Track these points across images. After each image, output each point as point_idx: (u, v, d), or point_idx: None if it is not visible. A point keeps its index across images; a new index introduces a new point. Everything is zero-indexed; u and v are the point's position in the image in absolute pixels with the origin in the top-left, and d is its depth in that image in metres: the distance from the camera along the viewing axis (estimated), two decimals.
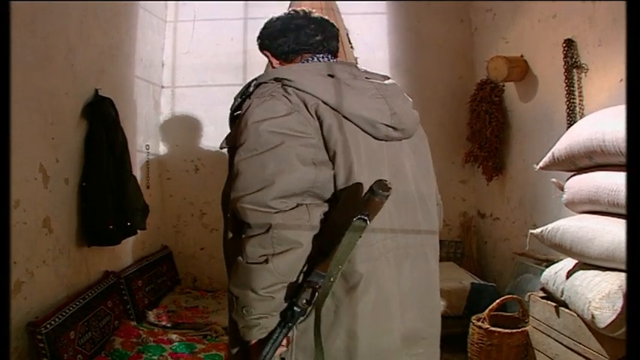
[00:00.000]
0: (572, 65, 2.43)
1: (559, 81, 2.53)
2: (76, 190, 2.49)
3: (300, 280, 1.00)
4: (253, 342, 1.01)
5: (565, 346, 1.88)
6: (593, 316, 1.60)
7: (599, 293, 1.62)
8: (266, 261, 0.96)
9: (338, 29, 1.28)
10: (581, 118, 2.33)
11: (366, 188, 0.99)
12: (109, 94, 2.72)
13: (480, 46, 3.72)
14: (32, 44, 2.13)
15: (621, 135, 1.67)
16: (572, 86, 2.44)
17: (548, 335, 2.01)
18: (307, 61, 1.22)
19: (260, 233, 0.97)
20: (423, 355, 1.18)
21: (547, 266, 2.25)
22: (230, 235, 1.10)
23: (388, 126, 1.11)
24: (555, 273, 2.01)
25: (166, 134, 3.91)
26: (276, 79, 1.08)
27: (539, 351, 2.11)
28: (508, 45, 3.21)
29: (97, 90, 2.66)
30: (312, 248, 1.01)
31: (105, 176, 2.57)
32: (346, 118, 1.07)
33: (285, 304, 0.99)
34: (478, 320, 2.41)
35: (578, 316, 1.77)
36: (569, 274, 1.88)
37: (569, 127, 2.25)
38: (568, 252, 1.89)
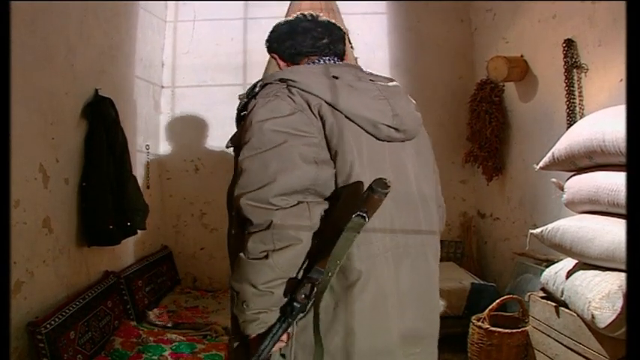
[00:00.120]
0: (572, 65, 2.43)
1: (559, 81, 2.53)
2: (76, 190, 2.49)
3: (299, 277, 1.02)
4: (253, 336, 1.02)
5: (565, 346, 1.88)
6: (593, 316, 1.60)
7: (599, 293, 1.62)
8: (266, 257, 0.98)
9: (344, 32, 1.31)
10: (581, 118, 2.33)
11: (366, 187, 1.01)
12: (109, 94, 2.72)
13: (480, 46, 3.72)
14: (32, 44, 2.13)
15: (621, 135, 1.67)
16: (572, 86, 2.44)
17: (548, 335, 2.01)
18: (313, 63, 1.24)
19: (261, 229, 0.99)
20: (420, 355, 1.19)
21: (547, 266, 2.25)
22: (234, 232, 1.12)
23: (390, 127, 1.13)
24: (555, 273, 2.01)
25: (166, 134, 3.91)
26: (281, 80, 1.11)
27: (539, 351, 2.11)
28: (508, 45, 3.21)
29: (97, 90, 2.66)
30: (312, 245, 1.02)
31: (105, 176, 2.57)
32: (349, 118, 1.09)
33: (285, 300, 1.01)
34: (478, 320, 2.41)
35: (578, 316, 1.77)
36: (569, 274, 1.88)
37: (569, 127, 2.25)
38: (568, 252, 1.89)
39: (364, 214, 0.94)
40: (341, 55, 1.28)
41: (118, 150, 2.71)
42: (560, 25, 2.59)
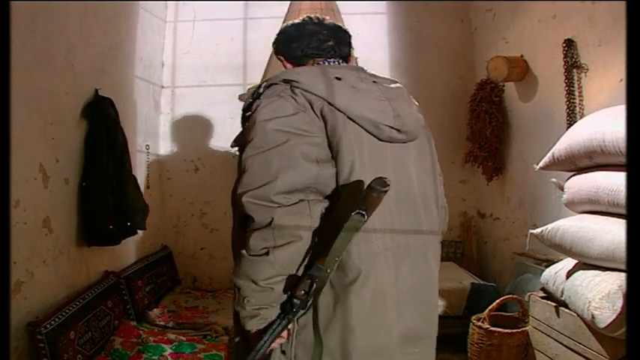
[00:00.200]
0: (572, 65, 2.43)
1: (559, 81, 2.53)
2: (76, 190, 2.49)
3: (300, 274, 1.04)
4: (253, 332, 1.04)
5: (565, 346, 1.88)
6: (593, 316, 1.60)
7: (599, 293, 1.62)
8: (267, 253, 1.00)
9: (350, 35, 1.33)
10: (581, 118, 2.33)
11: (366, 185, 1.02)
12: (109, 94, 2.72)
13: (480, 46, 3.72)
14: (32, 44, 2.13)
15: (621, 135, 1.67)
16: (572, 86, 2.44)
17: (548, 335, 2.01)
18: (318, 64, 1.25)
19: (263, 227, 1.01)
20: (418, 355, 1.20)
21: (547, 266, 2.25)
22: (237, 230, 1.15)
23: (392, 128, 1.14)
24: (555, 273, 2.01)
25: (166, 134, 3.92)
26: (285, 81, 1.13)
27: (539, 351, 2.11)
28: (508, 45, 3.21)
29: (97, 90, 2.66)
30: (313, 243, 1.04)
31: (105, 176, 2.57)
32: (351, 119, 1.10)
33: (285, 297, 1.02)
34: (478, 320, 2.41)
35: (578, 316, 1.77)
36: (569, 274, 1.88)
37: (569, 127, 2.25)
38: (568, 252, 1.89)
39: (363, 212, 0.95)
40: (346, 58, 1.30)
41: (118, 150, 2.71)
42: (560, 25, 2.59)
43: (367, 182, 1.03)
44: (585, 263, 1.84)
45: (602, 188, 1.78)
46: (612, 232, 1.66)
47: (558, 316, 1.94)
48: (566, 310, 1.88)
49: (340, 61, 1.28)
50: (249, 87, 3.66)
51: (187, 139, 3.91)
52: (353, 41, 1.36)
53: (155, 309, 3.09)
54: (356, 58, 3.05)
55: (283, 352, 1.08)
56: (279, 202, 1.02)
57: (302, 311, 1.04)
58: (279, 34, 1.33)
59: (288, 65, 1.30)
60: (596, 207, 1.85)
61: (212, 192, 3.87)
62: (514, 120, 3.21)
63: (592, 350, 1.72)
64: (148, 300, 3.11)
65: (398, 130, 1.15)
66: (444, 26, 3.90)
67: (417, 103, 1.29)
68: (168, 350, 2.44)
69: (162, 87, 3.93)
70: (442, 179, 1.35)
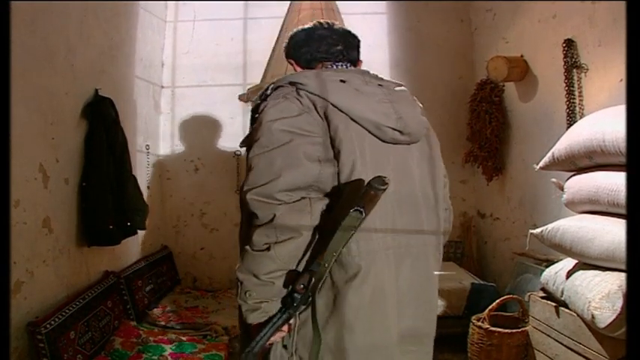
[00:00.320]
0: (572, 65, 2.43)
1: (559, 81, 2.53)
2: (76, 190, 2.49)
3: (300, 269, 1.08)
4: (254, 324, 1.08)
5: (565, 346, 1.88)
6: (593, 316, 1.60)
7: (599, 293, 1.62)
8: (268, 249, 1.05)
9: (359, 40, 1.38)
10: (581, 118, 2.33)
11: None
12: (109, 94, 2.72)
13: (480, 46, 3.73)
14: (32, 44, 2.13)
15: (621, 135, 1.67)
16: (572, 86, 2.44)
17: (548, 335, 2.02)
18: (326, 68, 1.29)
19: (265, 223, 1.05)
20: (416, 353, 1.22)
21: (547, 266, 2.25)
22: (243, 227, 1.17)
23: (394, 129, 1.17)
24: (555, 273, 2.01)
25: (166, 134, 3.92)
26: (291, 83, 1.17)
27: (539, 351, 2.11)
28: (508, 45, 3.21)
29: (97, 90, 2.66)
30: (315, 240, 1.07)
31: (105, 176, 2.57)
32: (354, 120, 1.13)
33: (286, 292, 1.06)
34: (478, 320, 2.41)
35: (578, 316, 1.77)
36: (569, 274, 1.88)
37: (569, 127, 2.25)
38: (568, 252, 1.89)
39: (361, 209, 0.98)
40: (354, 62, 1.35)
41: (118, 150, 2.71)
42: (560, 25, 2.59)
43: (368, 180, 1.05)
44: (585, 263, 1.84)
45: (602, 188, 1.78)
46: (612, 232, 1.66)
47: (558, 316, 1.94)
48: (566, 310, 1.88)
49: (348, 64, 1.32)
50: (249, 87, 3.66)
51: (187, 139, 3.91)
52: None
53: (155, 309, 3.10)
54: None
55: (285, 347, 1.11)
56: (281, 200, 1.05)
57: (303, 307, 1.07)
58: (290, 39, 1.37)
59: (298, 68, 1.34)
60: (596, 207, 1.85)
61: (212, 192, 3.87)
62: (514, 120, 3.21)
63: (592, 350, 1.72)
64: (148, 300, 3.11)
65: (400, 131, 1.17)
66: (444, 26, 3.90)
67: (421, 105, 1.32)
68: (168, 350, 2.44)
69: (162, 87, 3.93)
70: (448, 181, 1.38)
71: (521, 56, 2.99)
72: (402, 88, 1.29)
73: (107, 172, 2.59)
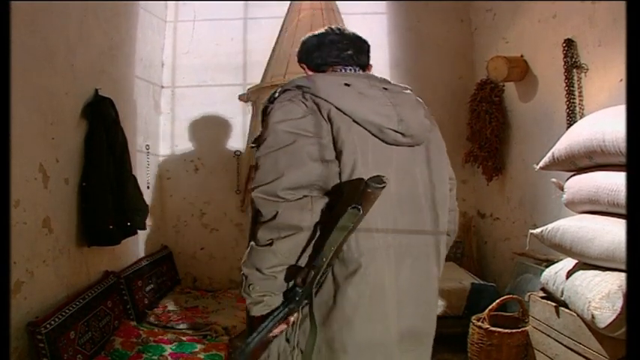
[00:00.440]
0: (572, 65, 2.43)
1: (559, 81, 2.53)
2: (76, 190, 2.49)
3: (303, 265, 1.12)
4: (257, 317, 1.12)
5: (565, 346, 1.88)
6: (593, 316, 1.60)
7: (599, 293, 1.62)
8: (270, 244, 1.09)
9: (369, 45, 1.41)
10: (581, 118, 2.33)
11: None
12: (109, 94, 2.72)
13: (480, 46, 3.72)
14: (32, 44, 2.13)
15: (621, 135, 1.67)
16: (572, 86, 2.44)
17: (548, 335, 2.02)
18: (335, 72, 1.33)
19: (269, 220, 1.10)
20: (415, 352, 1.25)
21: (547, 266, 2.25)
22: (252, 224, 1.21)
23: (396, 132, 1.20)
24: (555, 273, 2.01)
25: (166, 134, 3.92)
26: (297, 87, 1.21)
27: (539, 351, 2.11)
28: (508, 45, 3.21)
29: (97, 90, 2.66)
30: (317, 237, 1.11)
31: (105, 176, 2.57)
32: (357, 122, 1.17)
33: (287, 286, 1.12)
34: (478, 320, 2.41)
35: (578, 316, 1.77)
36: (569, 274, 1.88)
37: (569, 127, 2.25)
38: (568, 252, 1.89)
39: (359, 207, 1.01)
40: (364, 66, 1.38)
41: (118, 150, 2.71)
42: (560, 25, 2.59)
43: None
44: (585, 263, 1.84)
45: (602, 188, 1.78)
46: (612, 232, 1.66)
47: (558, 316, 1.94)
48: (566, 310, 1.88)
49: (357, 68, 1.35)
50: (249, 87, 3.66)
51: (187, 139, 3.91)
52: None
53: (155, 309, 3.10)
54: None
55: (287, 340, 1.15)
56: (284, 198, 1.09)
57: (306, 301, 1.11)
58: (302, 44, 1.41)
59: (310, 72, 1.38)
60: (596, 207, 1.85)
61: (212, 192, 3.87)
62: (514, 120, 3.21)
63: (592, 350, 1.72)
64: (148, 300, 3.12)
65: (402, 134, 1.20)
66: (444, 26, 3.90)
67: (426, 107, 1.35)
68: (168, 350, 2.44)
69: (162, 87, 3.93)
70: (455, 183, 1.41)
71: (521, 56, 2.99)
72: (407, 91, 1.33)
73: (107, 172, 2.59)
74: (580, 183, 1.95)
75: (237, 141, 3.86)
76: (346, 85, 1.21)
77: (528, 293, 2.25)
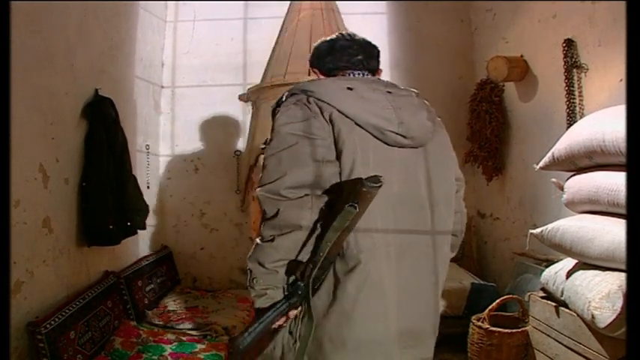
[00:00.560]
0: (572, 65, 2.43)
1: (559, 81, 2.53)
2: (76, 190, 2.49)
3: (304, 260, 1.16)
4: (261, 309, 1.17)
5: (565, 346, 1.88)
6: (593, 316, 1.60)
7: (599, 293, 1.62)
8: (272, 240, 1.15)
9: (379, 50, 1.46)
10: (581, 118, 2.33)
11: None
12: (109, 94, 2.72)
13: (480, 46, 3.72)
14: (32, 44, 2.13)
15: (621, 135, 1.67)
16: (572, 86, 2.44)
17: (548, 335, 2.02)
18: (343, 76, 1.37)
19: (272, 217, 1.15)
20: (415, 351, 1.26)
21: (547, 266, 2.25)
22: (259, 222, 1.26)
23: (397, 134, 1.23)
24: (555, 273, 2.01)
25: (166, 134, 3.92)
26: (302, 91, 1.26)
27: (539, 351, 2.11)
28: (508, 45, 3.21)
29: (97, 90, 2.66)
30: (316, 233, 1.15)
31: (105, 176, 2.57)
32: (359, 125, 1.21)
33: (287, 280, 1.16)
34: (478, 320, 2.41)
35: (578, 316, 1.77)
36: (569, 274, 1.88)
37: (569, 127, 2.25)
38: (568, 252, 1.89)
39: (355, 205, 1.05)
40: (373, 71, 1.42)
41: (118, 150, 2.71)
42: (560, 25, 2.59)
43: None
44: (585, 263, 1.84)
45: (602, 188, 1.78)
46: (612, 232, 1.66)
47: (558, 316, 1.94)
48: (566, 310, 1.88)
49: (366, 73, 1.39)
50: (249, 87, 3.66)
51: (187, 139, 3.91)
52: None
53: (155, 309, 3.09)
54: None
55: (290, 333, 1.20)
56: (286, 196, 1.14)
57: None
58: (314, 49, 1.46)
59: (322, 77, 1.42)
60: (596, 207, 1.85)
61: (212, 192, 3.87)
62: (514, 120, 3.21)
63: (592, 350, 1.72)
64: (148, 300, 3.12)
65: (403, 136, 1.23)
66: (444, 26, 3.90)
67: (432, 110, 1.38)
68: (168, 350, 2.44)
69: (162, 87, 3.93)
70: (463, 184, 1.45)
71: (521, 56, 2.99)
72: (410, 94, 1.36)
73: (107, 172, 2.59)
74: (580, 183, 1.95)
75: (237, 141, 3.86)
76: (349, 89, 1.25)
77: (528, 293, 2.25)
